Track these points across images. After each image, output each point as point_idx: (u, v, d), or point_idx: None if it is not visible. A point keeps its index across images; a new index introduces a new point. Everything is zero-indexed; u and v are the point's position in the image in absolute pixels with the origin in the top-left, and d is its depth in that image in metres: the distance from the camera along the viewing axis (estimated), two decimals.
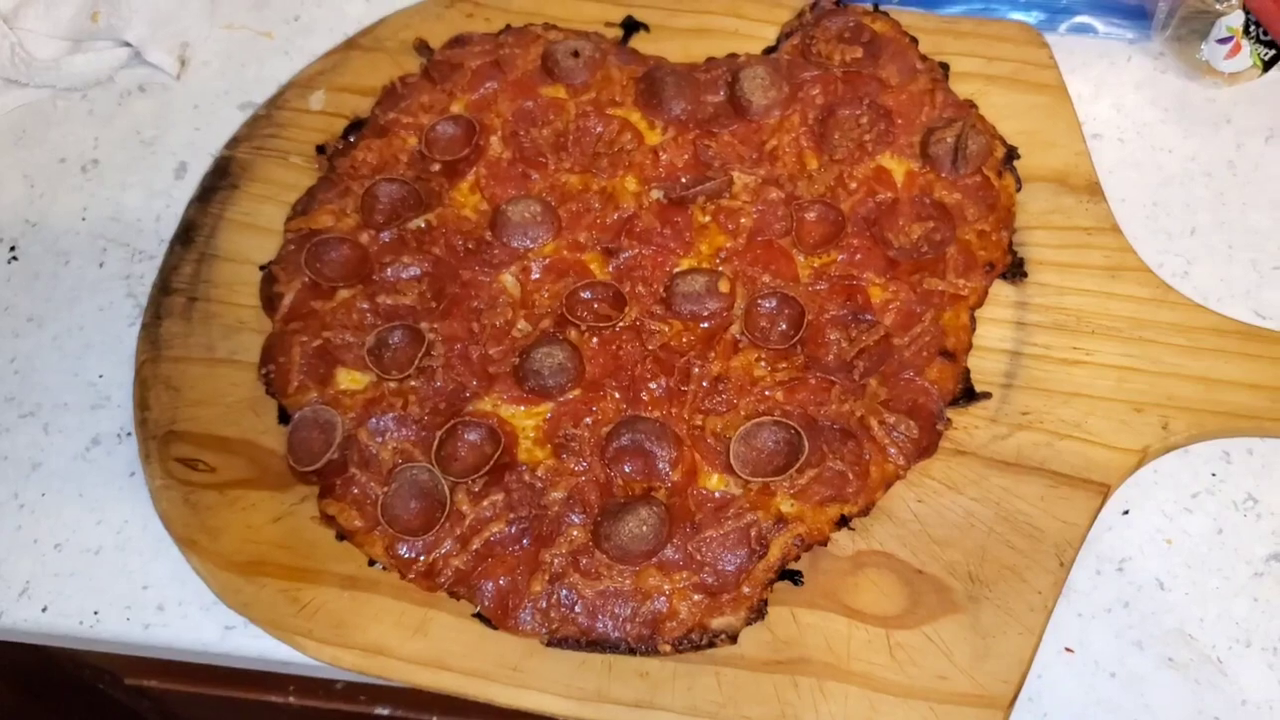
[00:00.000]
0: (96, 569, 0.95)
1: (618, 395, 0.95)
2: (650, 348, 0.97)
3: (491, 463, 0.91)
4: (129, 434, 1.01)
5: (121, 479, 0.99)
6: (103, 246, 1.13)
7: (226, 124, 1.19)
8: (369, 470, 0.92)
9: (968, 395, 0.95)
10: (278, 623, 0.89)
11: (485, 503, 0.90)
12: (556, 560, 0.88)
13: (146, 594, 0.94)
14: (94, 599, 0.94)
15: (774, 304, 0.99)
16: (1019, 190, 1.05)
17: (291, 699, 1.15)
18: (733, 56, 1.15)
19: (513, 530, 0.90)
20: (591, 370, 0.97)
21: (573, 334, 0.98)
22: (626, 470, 0.92)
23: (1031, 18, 1.18)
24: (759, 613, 0.86)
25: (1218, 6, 1.10)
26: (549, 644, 0.86)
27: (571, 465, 0.92)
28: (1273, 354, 0.96)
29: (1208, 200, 1.08)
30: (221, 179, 1.13)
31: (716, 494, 0.91)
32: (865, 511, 0.91)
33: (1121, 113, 1.15)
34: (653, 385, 0.96)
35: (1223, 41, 1.11)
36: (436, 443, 0.92)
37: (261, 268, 1.05)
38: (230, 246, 1.08)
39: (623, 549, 0.87)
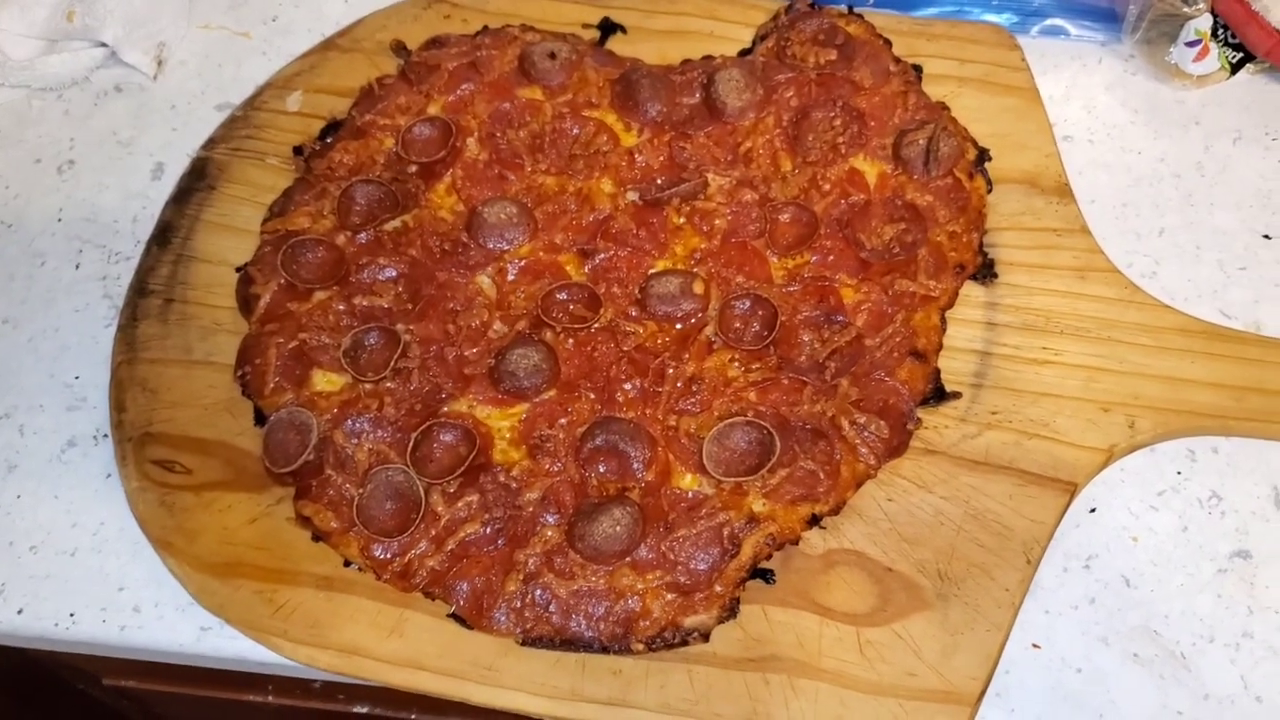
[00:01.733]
0: (72, 571, 0.96)
1: (592, 396, 0.96)
2: (625, 349, 0.98)
3: (466, 464, 0.92)
4: (105, 436, 1.01)
5: (98, 481, 1.00)
6: (79, 248, 1.13)
7: (204, 125, 1.19)
8: (344, 472, 0.93)
9: (938, 395, 0.96)
10: (254, 624, 0.90)
11: (460, 503, 0.91)
12: (531, 560, 0.89)
13: (122, 595, 0.94)
14: (70, 601, 0.94)
15: (748, 305, 1.00)
16: (990, 192, 1.06)
17: (271, 698, 1.15)
18: (708, 58, 1.16)
19: (487, 531, 0.90)
20: (566, 371, 0.97)
21: (548, 335, 0.98)
22: (601, 470, 0.93)
23: (1004, 20, 1.19)
24: (731, 611, 0.87)
25: (1186, 10, 1.11)
26: (523, 643, 0.87)
27: (546, 466, 0.93)
28: (1238, 354, 0.98)
29: (1176, 201, 1.10)
30: (198, 180, 1.13)
31: (689, 494, 0.92)
32: (836, 510, 0.92)
33: (1092, 114, 1.16)
34: (627, 386, 0.96)
35: (1191, 44, 1.12)
36: (412, 444, 0.93)
37: (238, 269, 1.06)
38: (207, 248, 1.09)
39: (596, 549, 0.88)
